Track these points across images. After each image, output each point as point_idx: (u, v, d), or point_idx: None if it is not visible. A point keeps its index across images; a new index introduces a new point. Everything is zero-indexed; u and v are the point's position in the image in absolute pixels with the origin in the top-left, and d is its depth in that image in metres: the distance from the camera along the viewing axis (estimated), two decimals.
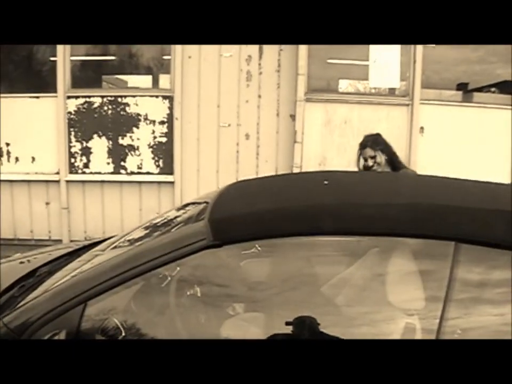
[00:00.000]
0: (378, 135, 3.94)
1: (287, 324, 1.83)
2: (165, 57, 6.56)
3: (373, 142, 3.83)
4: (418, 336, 1.78)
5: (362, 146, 3.87)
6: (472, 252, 1.72)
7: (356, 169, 3.94)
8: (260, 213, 1.88)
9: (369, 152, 3.80)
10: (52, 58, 6.49)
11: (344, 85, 6.90)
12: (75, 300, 1.74)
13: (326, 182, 2.10)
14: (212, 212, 1.89)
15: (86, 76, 6.79)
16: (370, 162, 3.79)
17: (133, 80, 7.07)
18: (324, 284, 2.10)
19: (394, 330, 1.86)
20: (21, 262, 2.96)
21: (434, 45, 6.15)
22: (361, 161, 3.86)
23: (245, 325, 2.04)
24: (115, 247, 2.26)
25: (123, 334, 1.82)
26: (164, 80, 6.63)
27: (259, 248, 1.89)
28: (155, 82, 6.75)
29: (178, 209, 2.70)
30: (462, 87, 6.84)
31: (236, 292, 2.09)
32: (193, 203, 2.61)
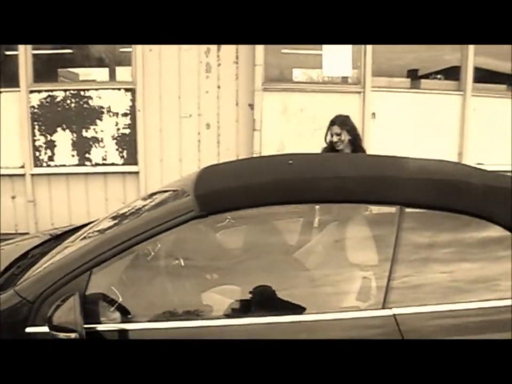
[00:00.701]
0: (347, 117, 4.46)
1: (250, 292, 2.16)
2: (122, 49, 6.78)
3: (342, 121, 4.37)
4: (373, 285, 2.15)
5: (332, 123, 4.40)
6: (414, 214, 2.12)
7: (324, 143, 4.48)
8: (238, 188, 2.23)
9: (336, 129, 4.34)
10: (8, 53, 6.65)
11: (298, 74, 7.25)
12: (82, 267, 2.04)
13: (290, 162, 2.47)
14: (196, 189, 2.22)
15: (42, 70, 6.90)
16: (335, 138, 4.31)
17: (87, 73, 7.16)
18: (295, 250, 2.48)
19: (354, 283, 2.24)
20: None
21: None
22: (328, 136, 4.38)
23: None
24: (108, 223, 2.56)
25: (120, 299, 2.13)
26: (120, 73, 6.84)
27: (232, 221, 2.25)
28: (112, 74, 6.93)
29: (144, 199, 2.98)
30: (412, 73, 7.29)
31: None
32: (158, 192, 2.89)
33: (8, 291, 2.15)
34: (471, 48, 6.73)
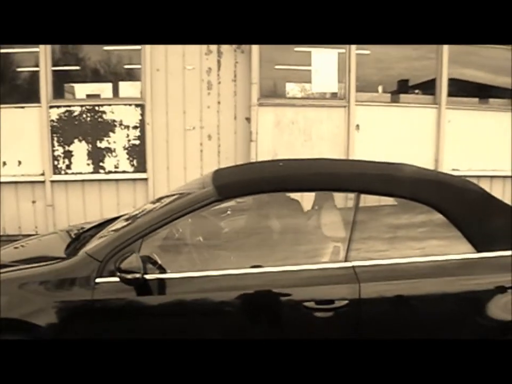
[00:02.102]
0: None
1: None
2: (126, 66, 7.81)
3: None
4: (342, 251, 3.12)
5: None
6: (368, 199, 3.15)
7: None
8: (244, 180, 3.29)
9: None
10: (18, 69, 7.61)
11: (290, 87, 8.19)
12: (136, 236, 3.02)
13: (281, 164, 3.52)
14: (215, 181, 3.25)
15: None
16: None
17: (92, 88, 7.93)
18: (286, 230, 3.47)
19: (328, 249, 3.23)
20: (15, 248, 4.00)
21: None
22: None
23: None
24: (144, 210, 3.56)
25: (159, 262, 3.09)
26: (125, 87, 7.77)
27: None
28: (115, 89, 7.82)
29: (154, 202, 3.92)
30: (402, 83, 8.23)
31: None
32: (165, 196, 3.81)
33: (79, 255, 3.14)
34: (445, 61, 7.71)
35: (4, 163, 7.35)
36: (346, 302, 2.86)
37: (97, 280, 2.97)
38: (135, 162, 7.48)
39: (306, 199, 3.65)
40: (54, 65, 7.45)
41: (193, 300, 2.94)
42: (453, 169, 7.71)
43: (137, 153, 7.46)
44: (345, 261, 2.99)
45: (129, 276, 2.83)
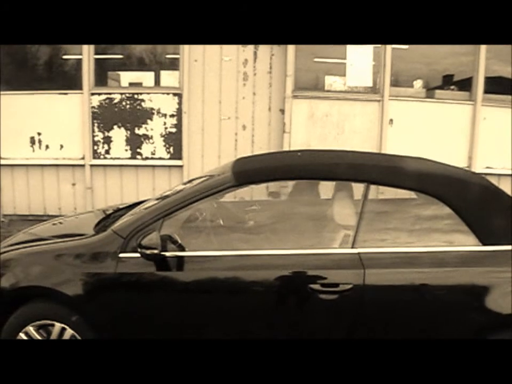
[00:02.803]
0: None
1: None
2: (168, 56, 8.05)
3: None
4: (351, 237, 3.30)
5: None
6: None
7: None
8: (261, 168, 3.50)
9: None
10: (65, 57, 7.96)
11: (333, 80, 8.33)
12: (157, 216, 3.28)
13: (299, 154, 3.72)
14: (233, 168, 3.48)
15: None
16: None
17: (133, 76, 8.18)
18: (301, 217, 3.69)
19: (339, 236, 3.42)
20: (53, 224, 4.36)
21: None
22: None
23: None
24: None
25: (179, 241, 3.33)
26: (165, 77, 8.04)
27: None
28: (157, 78, 8.09)
29: (185, 183, 4.20)
30: (448, 79, 8.24)
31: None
32: (197, 178, 4.07)
33: (107, 231, 3.42)
34: (482, 57, 7.75)
35: (47, 146, 7.77)
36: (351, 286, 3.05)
37: (121, 255, 3.26)
38: (171, 149, 7.77)
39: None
40: (99, 53, 7.78)
41: (208, 277, 3.19)
42: (487, 167, 7.79)
43: (174, 141, 7.75)
44: (352, 247, 3.17)
45: (148, 252, 3.09)
